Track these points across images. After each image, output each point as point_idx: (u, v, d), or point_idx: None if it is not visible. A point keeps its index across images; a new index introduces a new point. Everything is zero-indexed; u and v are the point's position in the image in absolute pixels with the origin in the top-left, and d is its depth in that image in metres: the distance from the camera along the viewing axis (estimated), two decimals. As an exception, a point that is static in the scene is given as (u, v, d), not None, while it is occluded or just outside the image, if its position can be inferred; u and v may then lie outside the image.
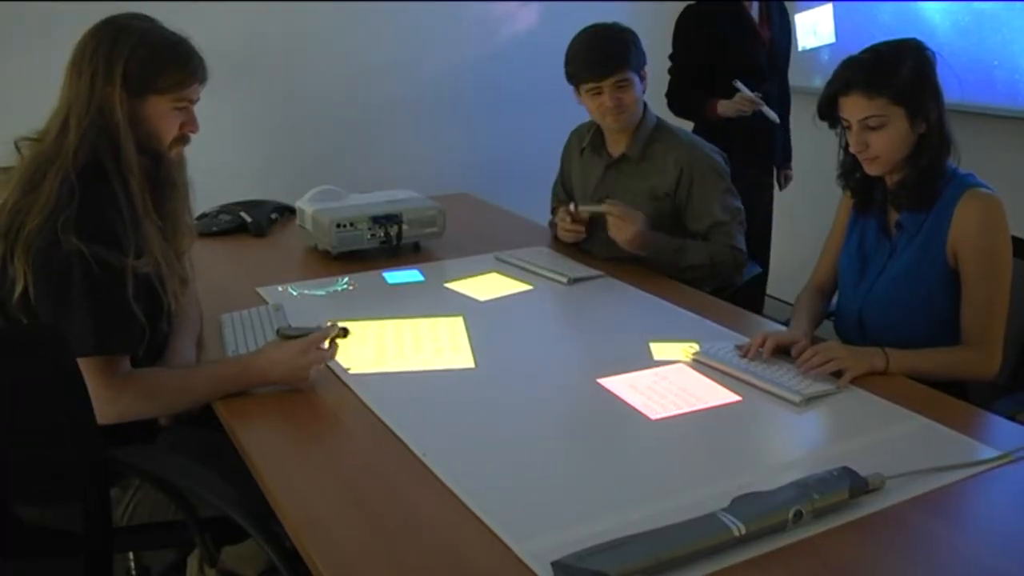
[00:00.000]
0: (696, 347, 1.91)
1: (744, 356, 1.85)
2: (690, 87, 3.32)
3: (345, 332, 1.80)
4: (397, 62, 3.86)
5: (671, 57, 3.37)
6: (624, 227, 2.36)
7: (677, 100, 3.36)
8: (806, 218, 3.14)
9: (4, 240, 1.60)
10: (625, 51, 2.38)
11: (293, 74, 3.69)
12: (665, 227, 2.47)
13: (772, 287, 3.45)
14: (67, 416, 1.54)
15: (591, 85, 2.40)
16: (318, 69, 3.71)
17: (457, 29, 3.97)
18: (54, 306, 1.59)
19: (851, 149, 1.91)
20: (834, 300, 2.16)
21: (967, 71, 3.35)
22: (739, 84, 3.17)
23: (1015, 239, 1.91)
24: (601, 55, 2.38)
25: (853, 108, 1.85)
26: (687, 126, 3.37)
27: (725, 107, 3.20)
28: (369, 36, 3.79)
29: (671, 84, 3.38)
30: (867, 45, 1.89)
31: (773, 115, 3.23)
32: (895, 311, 1.95)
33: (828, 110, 1.90)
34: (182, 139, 1.79)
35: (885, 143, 1.85)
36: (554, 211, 2.79)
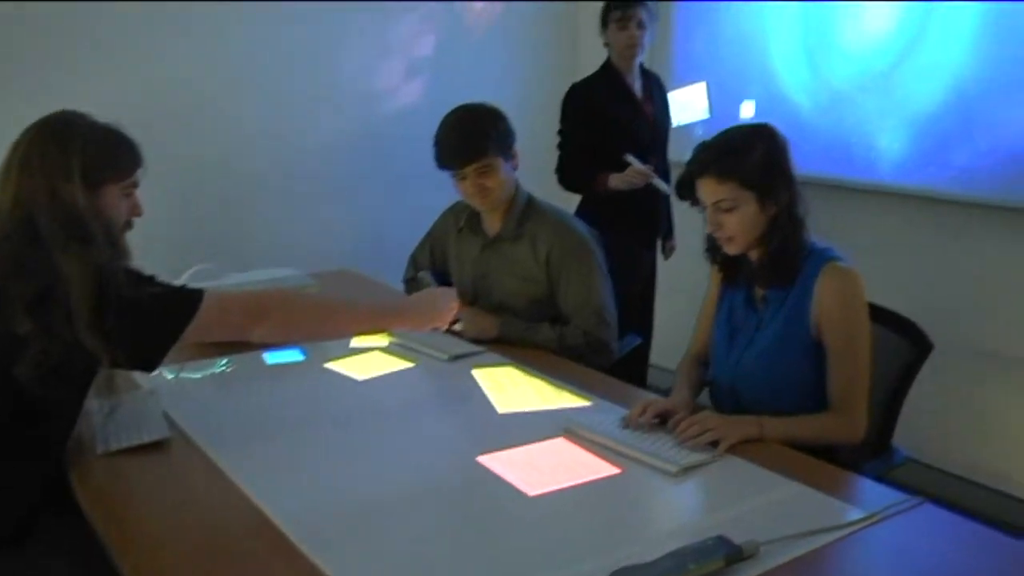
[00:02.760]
0: None
1: (627, 426, 1.88)
2: (579, 162, 3.40)
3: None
4: (276, 137, 3.85)
5: (560, 133, 3.47)
6: (476, 322, 2.50)
7: (567, 174, 3.44)
8: (689, 286, 3.23)
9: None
10: (485, 138, 2.42)
11: (168, 150, 3.62)
12: (537, 309, 2.52)
13: (657, 355, 3.53)
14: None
15: (454, 172, 2.45)
16: (194, 144, 3.66)
17: (339, 104, 4.00)
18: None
19: (707, 229, 1.99)
20: (712, 368, 2.22)
21: (828, 146, 3.54)
22: (631, 158, 3.26)
23: (872, 306, 2.01)
24: (461, 143, 2.43)
25: (706, 191, 1.93)
26: (574, 200, 3.46)
27: (617, 180, 3.28)
28: (247, 109, 3.77)
29: (560, 159, 3.46)
30: (725, 128, 1.98)
31: (665, 187, 3.34)
32: (765, 381, 2.01)
33: (687, 191, 1.98)
34: (128, 224, 1.87)
35: (737, 224, 1.93)
36: (412, 280, 2.83)
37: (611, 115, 3.37)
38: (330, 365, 2.32)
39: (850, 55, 3.49)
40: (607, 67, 3.43)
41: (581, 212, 3.36)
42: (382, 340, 2.49)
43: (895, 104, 3.36)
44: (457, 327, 2.51)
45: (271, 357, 2.38)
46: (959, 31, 3.16)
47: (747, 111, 3.85)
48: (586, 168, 3.36)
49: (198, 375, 2.25)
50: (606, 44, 3.42)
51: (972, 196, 3.19)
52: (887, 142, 3.40)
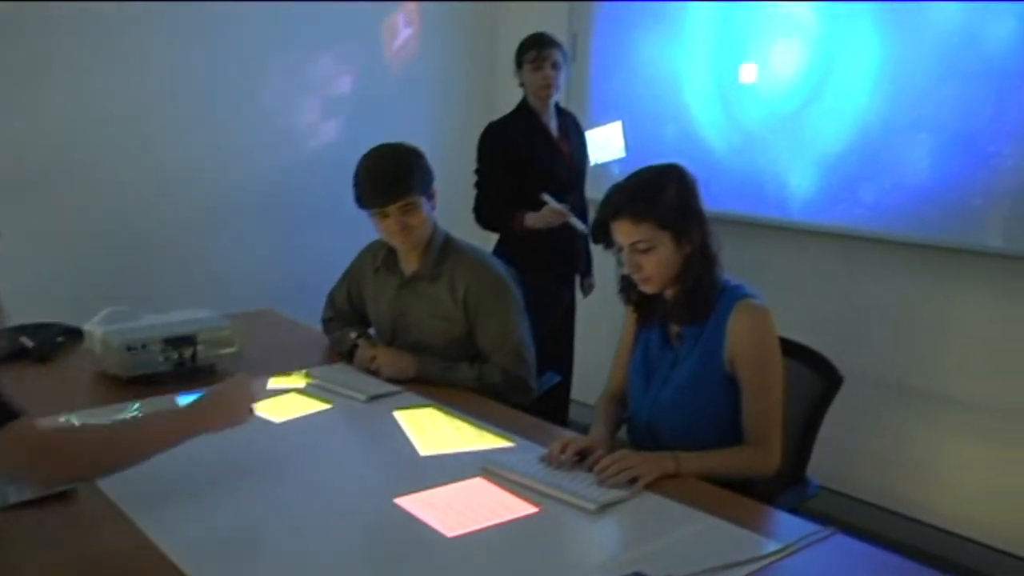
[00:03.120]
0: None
1: (549, 465, 1.88)
2: (496, 201, 3.42)
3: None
4: (194, 176, 3.81)
5: (477, 172, 3.48)
6: (394, 362, 2.48)
7: (484, 213, 3.46)
8: (609, 322, 3.27)
9: None
10: (409, 176, 2.42)
11: (83, 188, 3.57)
12: (455, 348, 2.53)
13: (579, 391, 3.54)
14: None
15: (377, 210, 2.44)
16: (110, 183, 3.60)
17: (257, 143, 3.97)
18: None
19: (624, 271, 2.01)
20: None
21: (742, 185, 3.64)
22: (547, 197, 3.29)
23: (784, 340, 2.05)
24: (385, 181, 2.42)
25: (623, 233, 1.96)
26: (491, 238, 3.48)
27: (534, 219, 3.31)
28: (163, 147, 3.73)
29: (477, 198, 3.48)
30: (635, 169, 2.02)
31: (581, 226, 3.37)
32: (681, 417, 2.03)
33: (602, 234, 2.00)
34: None
35: (655, 264, 1.96)
36: (331, 320, 2.82)
37: (528, 154, 3.41)
38: (246, 408, 2.28)
39: (760, 97, 3.61)
40: (523, 106, 3.48)
41: (499, 251, 3.37)
42: (299, 382, 2.46)
43: (804, 144, 3.47)
44: (375, 367, 2.50)
45: (185, 400, 2.32)
46: (860, 75, 3.29)
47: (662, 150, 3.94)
48: (504, 207, 3.39)
49: (107, 420, 2.19)
50: (521, 84, 3.47)
51: (879, 232, 3.31)
52: (798, 181, 3.51)
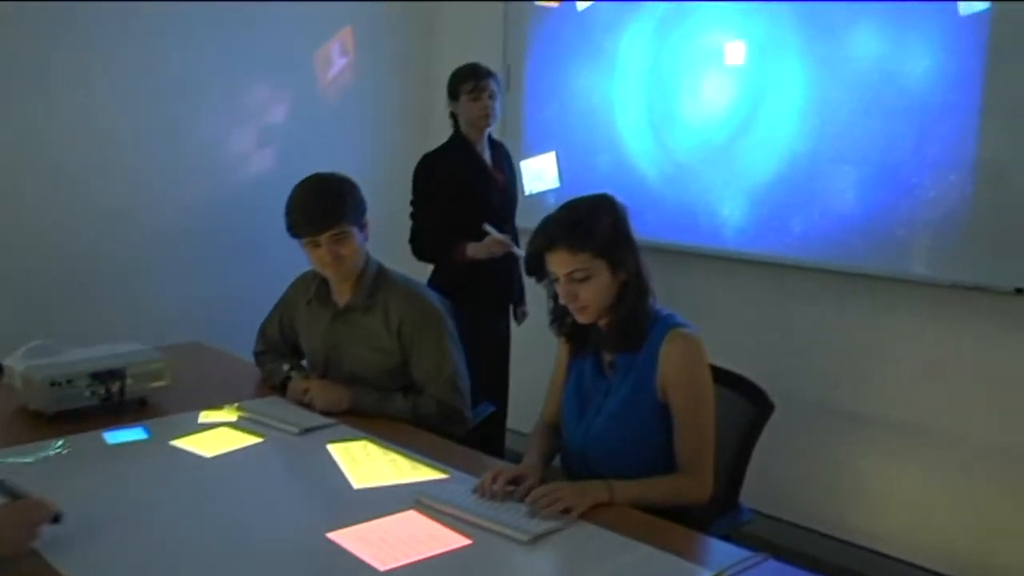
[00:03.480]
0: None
1: (481, 495, 1.87)
2: (434, 231, 3.41)
3: (57, 518, 1.66)
4: (124, 206, 3.75)
5: (412, 203, 3.48)
6: (327, 394, 2.46)
7: (422, 244, 3.45)
8: (544, 350, 3.29)
9: None
10: (341, 205, 2.42)
11: (10, 221, 3.48)
12: (389, 379, 2.51)
13: (515, 420, 3.54)
14: None
15: (308, 239, 2.43)
16: (31, 214, 3.52)
17: (189, 172, 3.92)
18: None
19: (561, 301, 2.02)
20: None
21: (675, 214, 3.69)
22: (489, 228, 3.30)
23: (715, 368, 2.08)
24: (317, 210, 2.41)
25: (559, 263, 1.97)
26: (426, 269, 3.47)
27: (476, 250, 3.31)
28: (93, 177, 3.66)
29: (413, 230, 3.46)
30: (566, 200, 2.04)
31: (522, 255, 3.37)
32: (615, 445, 2.04)
33: (536, 266, 2.01)
34: None
35: (592, 293, 1.98)
36: (263, 354, 2.79)
37: (464, 185, 3.41)
38: (177, 443, 2.24)
39: (691, 128, 3.67)
40: (456, 137, 3.48)
41: (433, 282, 3.36)
42: (231, 415, 2.43)
43: (735, 175, 3.54)
44: (308, 399, 2.47)
45: (112, 437, 2.27)
46: (788, 109, 3.37)
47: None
48: (441, 238, 3.38)
49: (29, 459, 2.12)
50: (452, 114, 3.48)
51: (808, 261, 3.38)
52: (729, 210, 3.57)
